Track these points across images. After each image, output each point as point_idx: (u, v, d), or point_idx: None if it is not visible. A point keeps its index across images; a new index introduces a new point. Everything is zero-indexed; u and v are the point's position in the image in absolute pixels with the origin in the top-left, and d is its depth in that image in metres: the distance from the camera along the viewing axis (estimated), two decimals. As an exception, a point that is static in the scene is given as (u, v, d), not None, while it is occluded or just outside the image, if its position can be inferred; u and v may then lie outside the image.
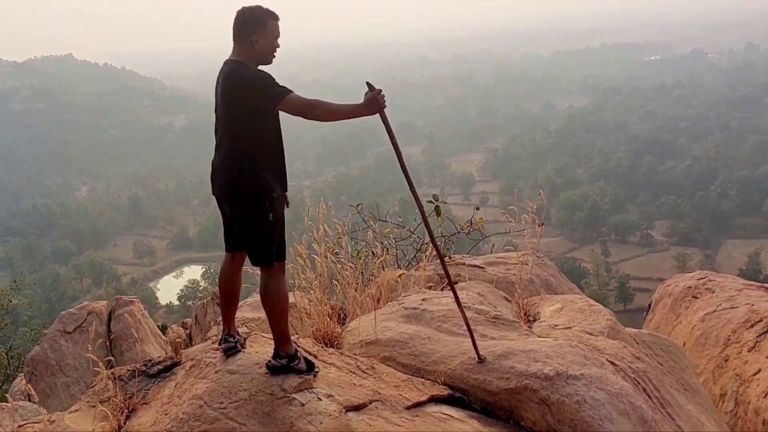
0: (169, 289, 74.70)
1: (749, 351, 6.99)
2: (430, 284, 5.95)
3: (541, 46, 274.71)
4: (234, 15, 3.65)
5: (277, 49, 3.73)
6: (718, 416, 5.18)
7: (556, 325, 5.02)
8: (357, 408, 3.56)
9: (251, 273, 4.64)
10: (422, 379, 4.04)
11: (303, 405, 3.45)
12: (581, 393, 3.69)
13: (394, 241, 6.93)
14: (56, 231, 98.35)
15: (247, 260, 3.95)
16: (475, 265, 6.67)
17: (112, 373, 4.36)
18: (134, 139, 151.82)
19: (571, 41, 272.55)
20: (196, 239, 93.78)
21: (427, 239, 6.13)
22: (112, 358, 4.65)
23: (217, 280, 4.14)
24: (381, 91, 3.62)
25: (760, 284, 8.72)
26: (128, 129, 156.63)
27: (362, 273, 5.93)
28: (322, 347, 4.24)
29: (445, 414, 3.72)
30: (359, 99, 3.67)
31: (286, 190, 3.82)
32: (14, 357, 13.01)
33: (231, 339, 3.93)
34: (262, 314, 4.65)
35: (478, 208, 8.12)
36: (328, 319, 4.77)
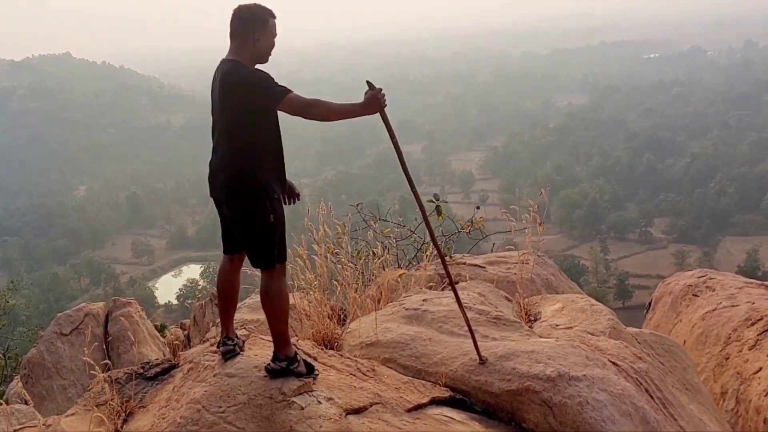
0: (167, 289, 74.64)
1: (750, 349, 6.96)
2: (431, 284, 5.91)
3: (540, 44, 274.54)
4: (231, 13, 3.59)
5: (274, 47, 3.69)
6: (719, 415, 5.15)
7: (557, 325, 4.98)
8: (357, 411, 3.52)
9: (250, 274, 4.59)
10: (423, 381, 4.00)
11: (303, 408, 3.41)
12: (583, 394, 3.66)
13: (394, 240, 6.89)
14: (54, 230, 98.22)
15: (245, 261, 3.91)
16: (475, 265, 6.64)
17: (108, 376, 4.32)
18: (132, 138, 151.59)
19: (571, 39, 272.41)
20: (195, 238, 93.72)
21: (428, 239, 6.10)
22: (109, 362, 4.60)
23: (215, 279, 4.10)
24: (381, 89, 3.57)
25: (760, 282, 8.69)
26: (126, 128, 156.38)
27: (362, 273, 5.89)
28: (321, 349, 4.20)
29: (447, 416, 3.68)
30: (359, 97, 3.63)
31: (286, 191, 3.78)
32: (11, 358, 12.93)
33: (229, 342, 3.89)
34: (261, 316, 4.61)
35: (478, 207, 8.08)
36: (328, 320, 4.73)
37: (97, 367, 4.04)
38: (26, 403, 6.45)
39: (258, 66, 3.62)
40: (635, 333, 5.30)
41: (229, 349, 3.84)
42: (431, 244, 5.51)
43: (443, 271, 5.04)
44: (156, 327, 10.47)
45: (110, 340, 7.69)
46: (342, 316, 5.55)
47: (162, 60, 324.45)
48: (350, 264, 5.27)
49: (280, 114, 3.59)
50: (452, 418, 3.66)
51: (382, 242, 6.30)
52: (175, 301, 67.27)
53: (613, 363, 4.14)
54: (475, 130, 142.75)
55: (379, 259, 5.80)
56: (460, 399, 3.87)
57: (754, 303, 7.47)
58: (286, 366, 3.61)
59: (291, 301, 3.90)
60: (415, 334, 4.39)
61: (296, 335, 4.57)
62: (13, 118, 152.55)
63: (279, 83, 3.49)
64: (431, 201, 6.70)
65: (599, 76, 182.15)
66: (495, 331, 4.49)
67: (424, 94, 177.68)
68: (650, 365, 4.44)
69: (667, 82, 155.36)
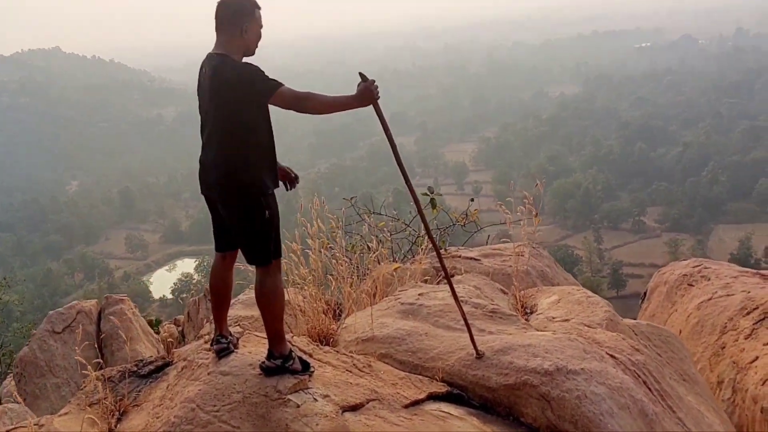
0: (162, 283, 74.53)
1: (746, 338, 6.95)
2: (427, 278, 5.87)
3: (532, 34, 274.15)
4: (216, 5, 3.52)
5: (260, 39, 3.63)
6: (717, 406, 5.14)
7: (553, 318, 4.96)
8: (354, 408, 3.48)
9: (243, 269, 4.54)
10: (420, 376, 3.96)
11: (298, 406, 3.37)
12: (582, 388, 3.63)
13: (389, 234, 6.84)
14: (47, 226, 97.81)
15: (239, 257, 3.86)
16: (471, 258, 6.60)
17: (102, 374, 4.26)
18: (124, 132, 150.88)
19: (562, 29, 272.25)
20: (189, 232, 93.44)
21: (423, 232, 6.05)
22: (101, 361, 4.55)
23: (209, 274, 4.04)
24: (374, 81, 3.52)
25: (755, 271, 8.69)
26: (118, 122, 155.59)
27: (357, 267, 5.85)
28: (317, 346, 4.15)
29: (444, 412, 3.65)
30: (351, 90, 3.57)
31: (278, 186, 3.72)
32: (6, 354, 12.87)
33: (223, 340, 3.83)
34: (256, 312, 4.56)
35: (473, 200, 8.04)
36: (323, 315, 4.69)
37: (89, 366, 3.99)
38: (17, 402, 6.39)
39: (246, 59, 3.56)
40: (632, 324, 5.28)
41: (223, 347, 3.79)
42: (426, 237, 5.48)
43: (438, 265, 5.00)
44: (151, 322, 10.42)
45: (103, 337, 7.63)
46: (337, 310, 5.51)
47: (152, 54, 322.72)
48: (345, 258, 5.22)
49: (272, 107, 3.53)
50: (450, 414, 3.62)
51: (376, 236, 6.25)
52: (170, 296, 67.12)
53: (611, 355, 4.11)
54: (468, 122, 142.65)
55: (374, 253, 5.76)
56: (458, 394, 3.84)
57: (749, 292, 7.46)
58: (281, 363, 3.57)
59: (285, 297, 3.85)
60: (411, 329, 4.35)
61: (291, 331, 4.53)
62: (3, 113, 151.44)
63: (270, 76, 3.43)
64: (425, 194, 6.66)
65: (591, 66, 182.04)
66: (491, 325, 4.45)
67: (416, 85, 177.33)
68: (648, 357, 4.41)
69: (658, 71, 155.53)
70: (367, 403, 3.55)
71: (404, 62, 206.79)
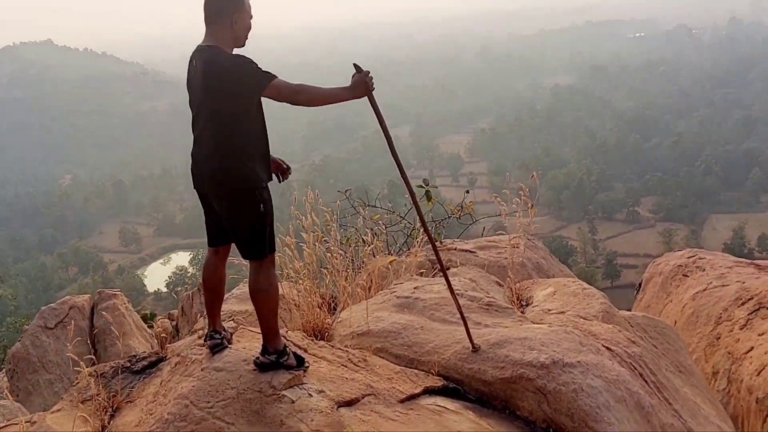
0: (156, 276, 74.43)
1: (741, 329, 6.96)
2: (422, 270, 5.84)
3: (526, 25, 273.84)
4: None
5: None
6: (713, 397, 5.14)
7: (549, 310, 4.94)
8: (349, 403, 3.45)
9: (237, 264, 4.50)
10: (416, 370, 3.93)
11: (293, 402, 3.33)
12: (578, 381, 3.61)
13: (384, 227, 6.81)
14: (40, 220, 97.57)
15: (232, 251, 3.82)
16: (466, 250, 6.58)
17: (94, 370, 4.22)
18: (117, 125, 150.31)
19: (557, 20, 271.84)
20: (183, 225, 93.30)
21: (418, 224, 6.02)
22: (93, 357, 4.51)
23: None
24: (369, 72, 3.47)
25: (750, 261, 8.70)
26: (111, 115, 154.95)
27: (353, 260, 5.82)
28: (312, 340, 4.12)
29: (440, 406, 3.62)
30: (346, 81, 3.52)
31: (271, 179, 3.68)
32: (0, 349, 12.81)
33: (217, 335, 3.79)
34: (250, 307, 4.52)
35: (468, 192, 8.02)
36: (318, 309, 4.65)
37: (82, 363, 3.94)
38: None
39: (237, 50, 3.50)
40: (628, 316, 5.27)
41: (217, 343, 3.75)
42: (421, 229, 5.45)
43: (434, 257, 4.97)
44: (145, 316, 10.38)
45: (96, 332, 7.58)
46: (332, 304, 5.48)
47: (144, 46, 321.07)
48: (340, 251, 5.18)
49: (265, 99, 3.48)
50: (446, 408, 3.60)
51: (371, 229, 6.22)
52: (164, 289, 67.09)
53: (607, 348, 4.09)
54: (463, 113, 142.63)
55: (369, 246, 5.72)
56: (454, 388, 3.81)
57: (744, 282, 7.47)
58: (275, 359, 3.53)
59: (280, 291, 3.81)
60: (406, 323, 4.32)
61: (286, 326, 4.50)
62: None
63: (263, 68, 3.37)
64: (421, 186, 6.63)
65: (585, 56, 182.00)
66: (487, 318, 4.43)
67: (410, 77, 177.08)
68: (644, 349, 4.40)
69: (652, 62, 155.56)
70: (363, 398, 3.52)
71: (399, 53, 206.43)
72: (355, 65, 3.50)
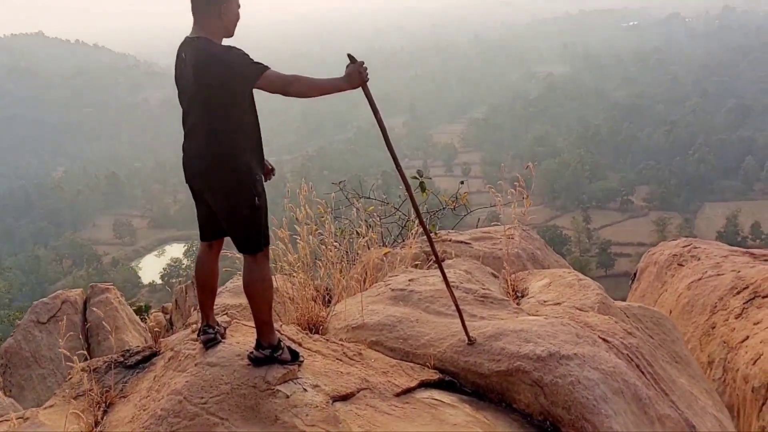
0: (151, 268, 74.26)
1: (736, 318, 6.96)
2: (417, 262, 5.81)
3: (519, 14, 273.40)
4: None
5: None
6: (709, 387, 5.13)
7: (545, 301, 4.92)
8: (345, 397, 3.42)
9: (230, 257, 4.46)
10: (411, 364, 3.91)
11: (288, 397, 3.30)
12: (575, 373, 3.59)
13: (378, 218, 6.77)
14: (34, 212, 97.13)
15: (226, 244, 3.77)
16: (461, 241, 6.55)
17: (87, 365, 4.18)
18: (110, 117, 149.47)
19: (550, 8, 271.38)
20: (177, 217, 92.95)
21: (413, 215, 5.99)
22: (85, 352, 4.46)
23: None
24: (363, 63, 3.41)
25: (745, 250, 8.71)
26: (103, 107, 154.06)
27: (347, 253, 5.78)
28: (306, 334, 4.08)
29: (436, 399, 3.60)
30: (339, 71, 3.47)
31: (264, 171, 3.63)
32: (-7, 343, 12.74)
33: (210, 330, 3.75)
34: (243, 300, 4.49)
35: (462, 182, 7.98)
36: (313, 303, 4.62)
37: (74, 358, 3.90)
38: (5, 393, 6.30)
39: (226, 41, 3.44)
40: (624, 307, 5.25)
41: (210, 338, 3.71)
42: (416, 221, 5.41)
43: (429, 249, 4.93)
44: (140, 308, 10.33)
45: (89, 327, 7.53)
46: (327, 297, 5.44)
47: (136, 37, 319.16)
48: (334, 244, 5.14)
49: (256, 90, 3.42)
50: (442, 401, 3.57)
51: (366, 220, 6.18)
52: (159, 281, 66.94)
53: (604, 339, 4.07)
54: (456, 103, 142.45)
55: (363, 238, 5.68)
56: (449, 381, 3.79)
57: (739, 272, 7.47)
58: (269, 353, 3.49)
59: (274, 284, 3.77)
60: (402, 316, 4.29)
61: (280, 320, 4.46)
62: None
63: (255, 59, 3.31)
64: (415, 177, 6.58)
65: (579, 45, 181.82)
66: (483, 310, 4.40)
67: (403, 66, 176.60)
68: (640, 340, 4.38)
69: (646, 51, 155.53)
70: (358, 392, 3.49)
71: (392, 43, 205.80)
72: (349, 55, 3.45)
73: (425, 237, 4.17)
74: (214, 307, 3.95)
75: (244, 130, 3.41)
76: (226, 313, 5.07)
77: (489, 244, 6.59)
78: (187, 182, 3.57)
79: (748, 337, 6.52)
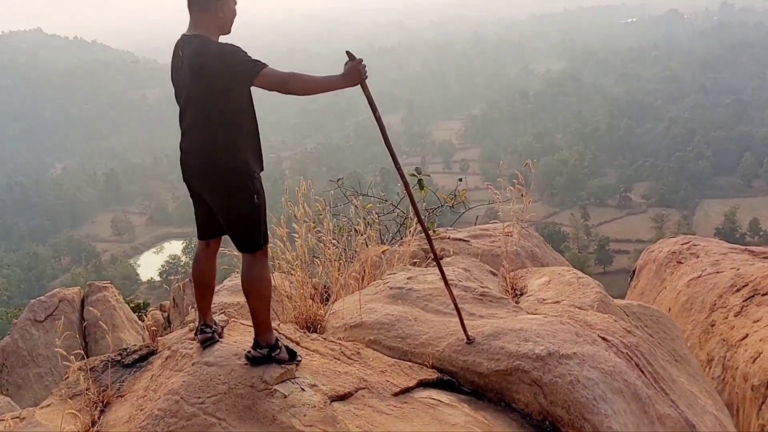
0: (150, 265, 74.26)
1: (735, 316, 6.95)
2: (415, 260, 5.79)
3: (517, 9, 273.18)
4: None
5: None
6: (709, 386, 5.12)
7: (544, 300, 4.89)
8: (342, 397, 3.40)
9: (228, 254, 4.43)
10: (410, 363, 3.89)
11: (285, 397, 3.28)
12: (574, 373, 3.56)
13: (376, 216, 6.75)
14: (32, 209, 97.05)
15: (224, 242, 3.74)
16: (459, 239, 6.52)
17: (84, 364, 4.15)
18: (108, 114, 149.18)
19: (548, 4, 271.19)
20: (176, 214, 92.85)
21: (411, 213, 5.96)
22: (82, 351, 4.44)
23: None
24: (362, 60, 3.38)
25: (744, 247, 8.70)
26: (101, 103, 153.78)
27: (345, 250, 5.76)
28: (304, 333, 4.06)
29: (435, 399, 3.58)
30: (338, 68, 3.44)
31: (263, 169, 3.60)
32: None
33: (208, 329, 3.73)
34: (241, 299, 4.45)
35: (461, 179, 7.96)
36: (311, 301, 4.59)
37: (71, 358, 3.87)
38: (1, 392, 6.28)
39: (223, 38, 3.41)
40: (623, 305, 5.23)
41: (208, 337, 3.69)
42: (415, 218, 5.38)
43: (427, 246, 4.91)
44: (138, 305, 10.32)
45: (86, 325, 7.50)
46: (325, 294, 5.42)
47: (135, 34, 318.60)
48: (332, 241, 5.12)
49: (254, 88, 3.39)
50: (440, 401, 3.55)
51: (364, 218, 6.15)
52: (157, 278, 66.92)
53: (603, 338, 4.05)
54: (455, 99, 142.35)
55: (362, 236, 5.66)
56: (448, 380, 3.77)
57: (738, 269, 7.45)
58: (267, 353, 3.47)
59: (272, 282, 3.75)
60: (400, 314, 4.26)
61: (278, 318, 4.43)
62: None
63: (252, 57, 3.28)
64: (413, 175, 6.56)
65: (577, 41, 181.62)
66: (482, 309, 4.38)
67: (401, 63, 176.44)
68: (640, 339, 4.36)
69: (644, 47, 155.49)
70: (356, 392, 3.47)
71: (390, 40, 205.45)
72: (347, 53, 3.41)
73: (425, 236, 4.14)
74: (212, 305, 3.92)
75: (242, 127, 3.39)
76: (224, 312, 5.04)
77: (488, 241, 6.57)
78: (185, 181, 3.55)
79: (747, 335, 6.50)
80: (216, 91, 3.28)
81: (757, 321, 6.44)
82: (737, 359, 6.31)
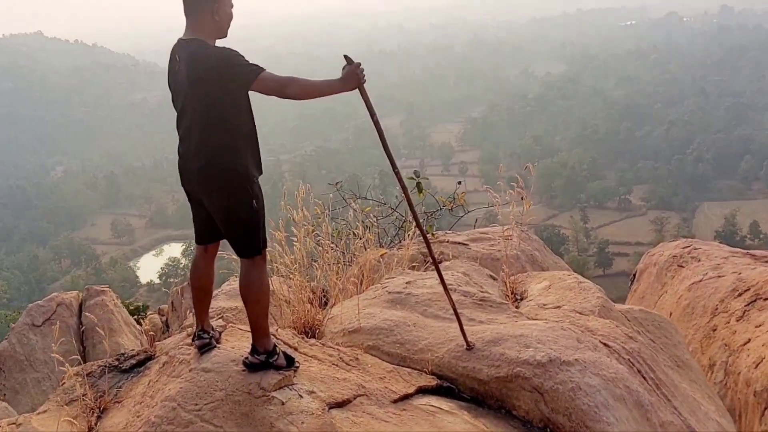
0: (149, 268, 74.19)
1: (737, 320, 6.90)
2: (414, 264, 5.75)
3: (517, 13, 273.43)
4: None
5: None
6: (712, 392, 5.07)
7: (544, 305, 4.85)
8: (341, 404, 3.36)
9: (227, 258, 4.39)
10: (409, 369, 3.84)
11: (283, 404, 3.24)
12: (576, 379, 3.52)
13: (375, 219, 6.71)
14: (32, 212, 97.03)
15: (222, 246, 3.71)
16: (458, 243, 6.48)
17: (82, 369, 4.11)
18: (108, 116, 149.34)
19: (547, 7, 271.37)
20: (175, 217, 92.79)
21: (410, 216, 5.92)
22: (79, 356, 4.39)
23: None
24: (360, 64, 3.35)
25: (746, 251, 8.64)
26: (102, 106, 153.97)
27: (343, 253, 5.72)
28: (302, 338, 4.02)
29: (434, 406, 3.53)
30: (336, 72, 3.41)
31: (262, 173, 3.57)
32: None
33: (205, 335, 3.69)
34: (239, 303, 4.41)
35: (460, 183, 7.92)
36: (309, 305, 4.55)
37: (66, 364, 3.83)
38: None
39: (219, 41, 3.38)
40: (624, 310, 5.19)
41: (205, 343, 3.65)
42: (413, 222, 5.34)
43: (426, 250, 4.87)
44: (138, 308, 10.26)
45: (84, 329, 7.45)
46: (324, 298, 5.38)
47: (135, 37, 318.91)
48: (331, 245, 5.08)
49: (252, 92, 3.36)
50: (440, 408, 3.51)
51: (362, 221, 6.11)
52: (157, 281, 66.85)
53: (605, 344, 4.01)
54: (454, 102, 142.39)
55: (360, 239, 5.62)
56: (448, 387, 3.73)
57: (740, 273, 7.41)
58: (265, 359, 3.43)
59: (270, 288, 3.71)
60: (399, 320, 4.22)
61: (276, 323, 4.39)
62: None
63: (250, 61, 3.25)
64: (412, 178, 6.52)
65: (577, 44, 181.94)
66: (481, 314, 4.34)
67: (401, 66, 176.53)
68: (642, 344, 4.32)
69: (644, 50, 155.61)
70: (355, 398, 3.43)
71: (390, 43, 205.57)
72: (345, 57, 3.38)
73: (423, 240, 4.10)
74: (210, 310, 3.89)
75: (240, 131, 3.35)
76: (222, 317, 4.99)
77: (487, 245, 6.53)
78: (183, 185, 3.51)
79: (750, 340, 6.46)
80: (213, 95, 3.25)
81: (760, 326, 6.39)
82: (739, 364, 6.27)
